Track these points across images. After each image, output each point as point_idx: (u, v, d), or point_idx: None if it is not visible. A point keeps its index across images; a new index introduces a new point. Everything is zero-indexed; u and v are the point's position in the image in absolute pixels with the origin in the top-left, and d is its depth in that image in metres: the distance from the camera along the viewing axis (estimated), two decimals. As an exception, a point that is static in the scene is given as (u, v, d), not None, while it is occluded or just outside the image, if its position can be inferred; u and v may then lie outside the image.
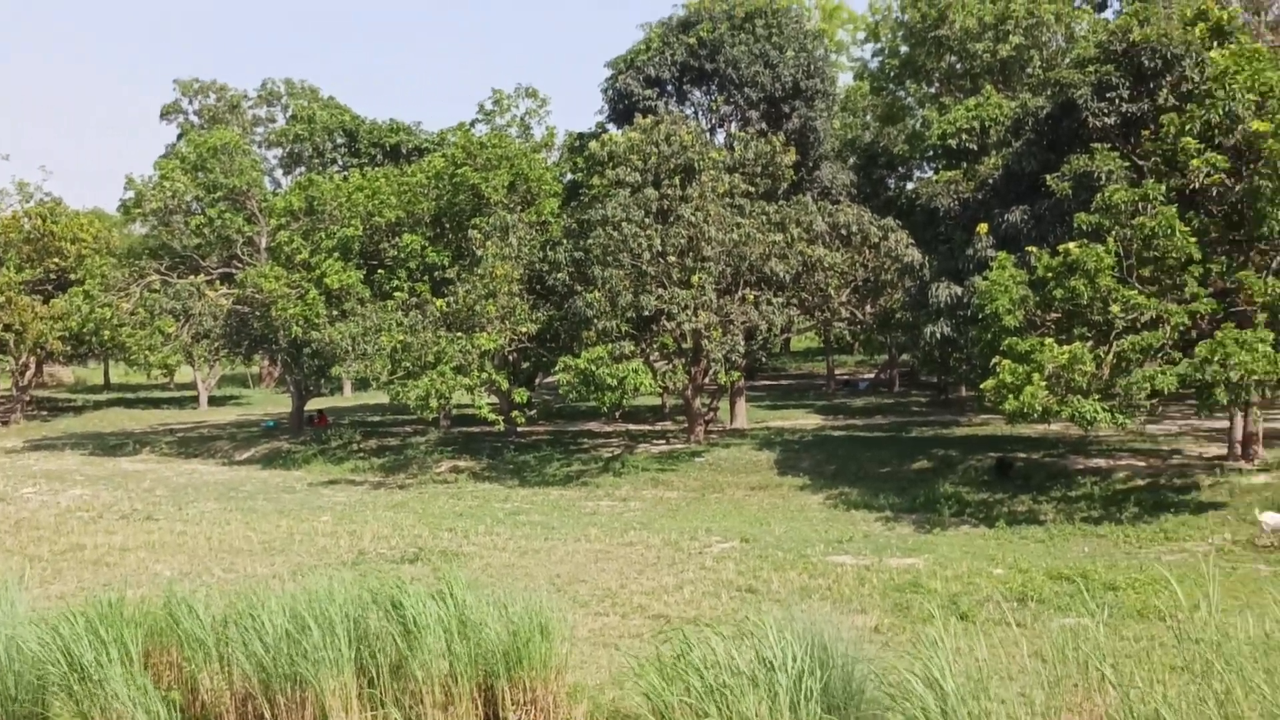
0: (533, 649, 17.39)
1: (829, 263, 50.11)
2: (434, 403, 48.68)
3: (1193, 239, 35.12)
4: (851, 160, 63.73)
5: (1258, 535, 32.73)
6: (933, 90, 67.00)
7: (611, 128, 58.02)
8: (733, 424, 57.25)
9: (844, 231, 51.01)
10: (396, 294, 55.74)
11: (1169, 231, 34.52)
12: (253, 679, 17.99)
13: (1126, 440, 46.47)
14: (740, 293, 49.77)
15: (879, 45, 73.43)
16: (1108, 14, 59.32)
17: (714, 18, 56.27)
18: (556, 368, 48.45)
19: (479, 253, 53.14)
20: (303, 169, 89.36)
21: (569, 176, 67.14)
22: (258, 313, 60.54)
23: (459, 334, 50.26)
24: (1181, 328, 35.03)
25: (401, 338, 50.32)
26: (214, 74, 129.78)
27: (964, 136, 47.90)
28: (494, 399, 53.65)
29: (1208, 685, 13.09)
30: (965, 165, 48.00)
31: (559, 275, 49.73)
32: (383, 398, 57.82)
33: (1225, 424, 43.39)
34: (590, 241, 48.13)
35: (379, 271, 59.94)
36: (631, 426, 59.59)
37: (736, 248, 48.38)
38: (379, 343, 51.63)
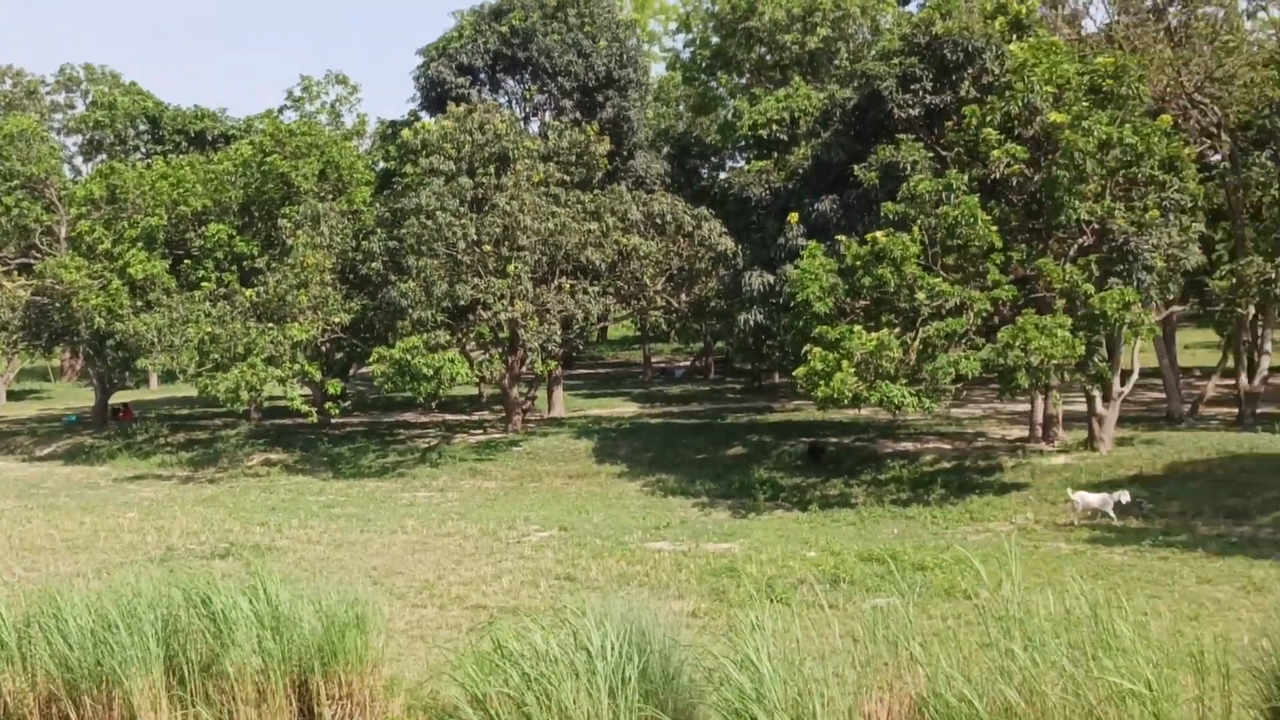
0: (348, 643, 17.16)
1: (644, 252, 50.41)
2: (244, 395, 47.71)
3: (994, 227, 36.15)
4: (665, 150, 64.18)
5: (1069, 513, 33.91)
6: (744, 81, 67.76)
7: (424, 116, 57.51)
8: (550, 413, 57.26)
9: (659, 220, 51.35)
10: (204, 284, 54.41)
11: (971, 220, 35.49)
12: (57, 679, 17.43)
13: (933, 424, 47.69)
14: (556, 282, 49.77)
15: (690, 36, 73.97)
16: (912, 7, 60.69)
17: (526, 6, 56.14)
18: (371, 358, 47.87)
19: (289, 242, 52.21)
20: (104, 156, 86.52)
21: (381, 165, 66.37)
22: (58, 304, 58.49)
23: (270, 325, 49.29)
24: (984, 314, 36.08)
25: (210, 329, 49.13)
26: (9, 59, 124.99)
27: (774, 127, 48.57)
28: (307, 390, 52.81)
29: (1011, 661, 13.51)
30: (776, 155, 48.68)
31: (373, 265, 49.12)
32: (191, 391, 56.38)
33: (1027, 407, 44.87)
34: (404, 231, 47.63)
35: (185, 261, 58.44)
36: (448, 417, 59.20)
37: (552, 237, 48.37)
38: (186, 334, 50.37)
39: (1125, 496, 33.55)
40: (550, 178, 50.18)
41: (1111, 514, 33.14)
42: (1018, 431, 45.76)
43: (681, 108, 75.71)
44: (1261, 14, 50.57)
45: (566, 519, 36.90)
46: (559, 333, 49.32)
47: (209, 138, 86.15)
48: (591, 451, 47.45)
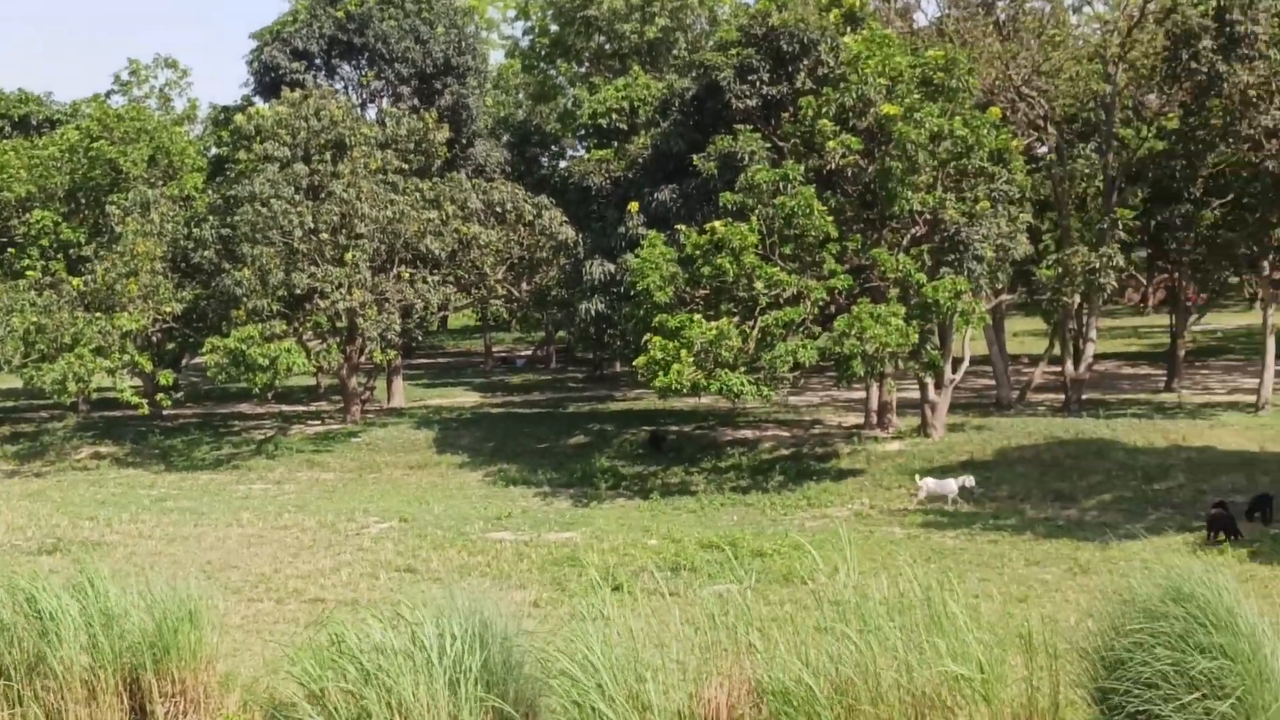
0: (180, 639, 16.76)
1: (484, 240, 50.10)
2: (72, 386, 46.29)
3: (830, 218, 36.72)
4: (505, 138, 63.86)
5: (915, 498, 34.60)
6: (583, 70, 67.76)
7: (258, 101, 56.37)
8: (390, 403, 56.66)
9: (499, 209, 51.11)
10: (29, 273, 52.62)
11: (808, 210, 35.99)
12: None
13: (772, 412, 48.28)
14: (396, 270, 49.22)
15: (529, 24, 73.68)
16: (749, -2, 61.33)
17: (363, -10, 55.39)
18: (204, 348, 46.86)
19: (118, 229, 50.78)
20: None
21: (214, 151, 64.88)
22: None
23: (98, 314, 47.92)
24: (821, 303, 36.63)
25: (35, 319, 47.57)
26: None
27: (614, 116, 48.67)
28: (137, 382, 51.46)
29: (847, 645, 13.72)
30: (616, 144, 48.78)
31: (205, 253, 48.04)
32: (16, 382, 54.54)
33: (863, 394, 45.66)
34: (238, 218, 46.66)
35: (9, 250, 56.50)
36: (285, 407, 58.22)
37: (391, 225, 47.82)
38: (10, 324, 48.66)
39: (970, 481, 34.42)
40: (388, 165, 49.61)
41: (958, 499, 33.93)
42: (854, 418, 46.56)
43: (521, 95, 75.36)
44: (1086, 9, 52.13)
45: (407, 510, 36.60)
46: (398, 322, 48.80)
47: (33, 122, 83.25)
48: (432, 442, 47.10)
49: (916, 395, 43.13)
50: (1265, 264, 45.44)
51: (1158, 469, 35.84)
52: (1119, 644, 12.99)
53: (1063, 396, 48.63)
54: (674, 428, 46.43)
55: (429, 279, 49.43)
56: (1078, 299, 48.00)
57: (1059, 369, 50.40)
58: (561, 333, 65.90)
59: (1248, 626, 12.24)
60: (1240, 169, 45.61)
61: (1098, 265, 44.28)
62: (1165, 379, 54.16)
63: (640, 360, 36.11)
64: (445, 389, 63.13)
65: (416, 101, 55.22)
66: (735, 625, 14.62)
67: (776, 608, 21.84)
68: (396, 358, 53.60)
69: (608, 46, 62.58)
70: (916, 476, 35.72)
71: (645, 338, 36.18)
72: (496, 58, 77.93)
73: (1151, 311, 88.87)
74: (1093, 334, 49.13)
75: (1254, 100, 42.11)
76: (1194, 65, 42.46)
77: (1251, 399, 45.96)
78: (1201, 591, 12.50)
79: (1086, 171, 50.91)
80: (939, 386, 41.89)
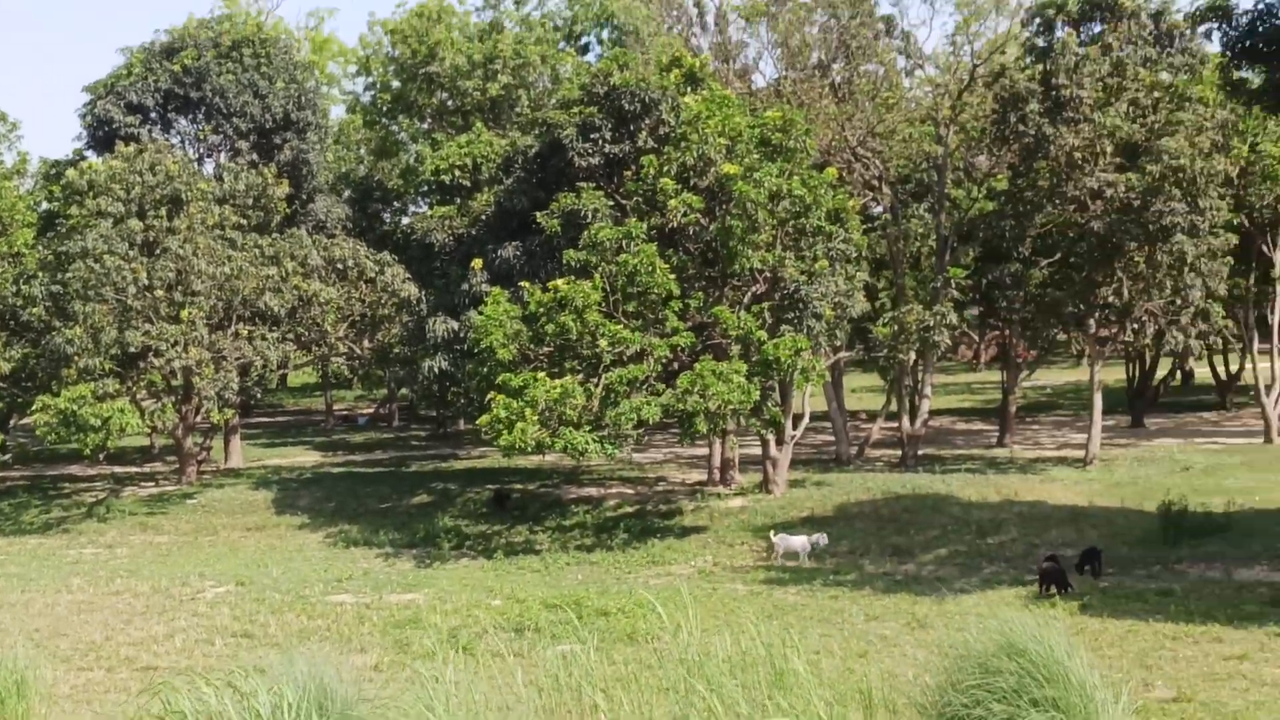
0: (7, 710, 16.16)
1: (325, 297, 49.50)
2: (-109, 450, 44.57)
3: (672, 275, 36.99)
4: (346, 194, 63.34)
5: (768, 552, 34.77)
6: (425, 126, 67.50)
7: (91, 155, 55.09)
8: (227, 463, 55.50)
9: (340, 266, 50.60)
10: None
11: (650, 268, 36.21)
12: None
13: (617, 469, 48.38)
14: (234, 328, 48.30)
15: (370, 79, 73.18)
16: (590, 57, 61.79)
17: (199, 45, 54.57)
18: (34, 408, 45.36)
19: (-57, 287, 49.15)
20: None
21: (45, 206, 63.11)
22: None
23: (-81, 375, 46.26)
24: (664, 360, 36.81)
25: None
26: None
27: (457, 173, 48.51)
28: (-39, 444, 49.70)
29: (690, 704, 13.70)
30: (459, 201, 48.63)
31: (34, 310, 46.67)
32: None
33: (706, 451, 45.97)
34: (70, 275, 45.40)
35: None
36: (118, 469, 56.63)
37: (229, 281, 46.97)
38: None
39: (823, 539, 34.72)
40: (226, 221, 48.78)
41: (811, 547, 34.21)
42: (697, 475, 46.84)
43: (363, 151, 74.86)
44: (919, 72, 53.57)
45: (244, 573, 35.74)
46: (236, 380, 47.82)
47: None
48: (270, 503, 46.19)
49: (759, 451, 43.54)
50: (1091, 322, 46.92)
51: (991, 523, 36.61)
52: (955, 699, 13.18)
53: (900, 452, 49.53)
54: (518, 486, 46.22)
55: (268, 336, 48.59)
56: (913, 356, 49.05)
57: (896, 425, 51.35)
58: (404, 390, 65.22)
59: (1079, 679, 12.50)
60: (1067, 229, 47.15)
61: (931, 323, 45.32)
62: (998, 434, 55.53)
63: (484, 418, 35.85)
64: (285, 448, 62.07)
65: (255, 156, 54.45)
66: (579, 686, 14.53)
67: (621, 667, 21.68)
68: (234, 417, 52.54)
69: (450, 103, 62.47)
70: (772, 533, 35.95)
71: (489, 396, 35.95)
72: (337, 113, 77.31)
73: (985, 368, 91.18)
74: (928, 390, 50.19)
75: (1079, 162, 43.63)
76: (1022, 128, 43.91)
77: (1080, 454, 47.32)
78: (1034, 646, 12.75)
79: (920, 231, 52.34)
80: (780, 443, 42.36)
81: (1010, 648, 12.90)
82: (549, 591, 31.03)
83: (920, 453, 49.63)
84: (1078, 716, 12.26)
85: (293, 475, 51.03)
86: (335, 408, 78.04)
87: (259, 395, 60.25)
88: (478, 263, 42.74)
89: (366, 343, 55.08)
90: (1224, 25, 29.60)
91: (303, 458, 57.94)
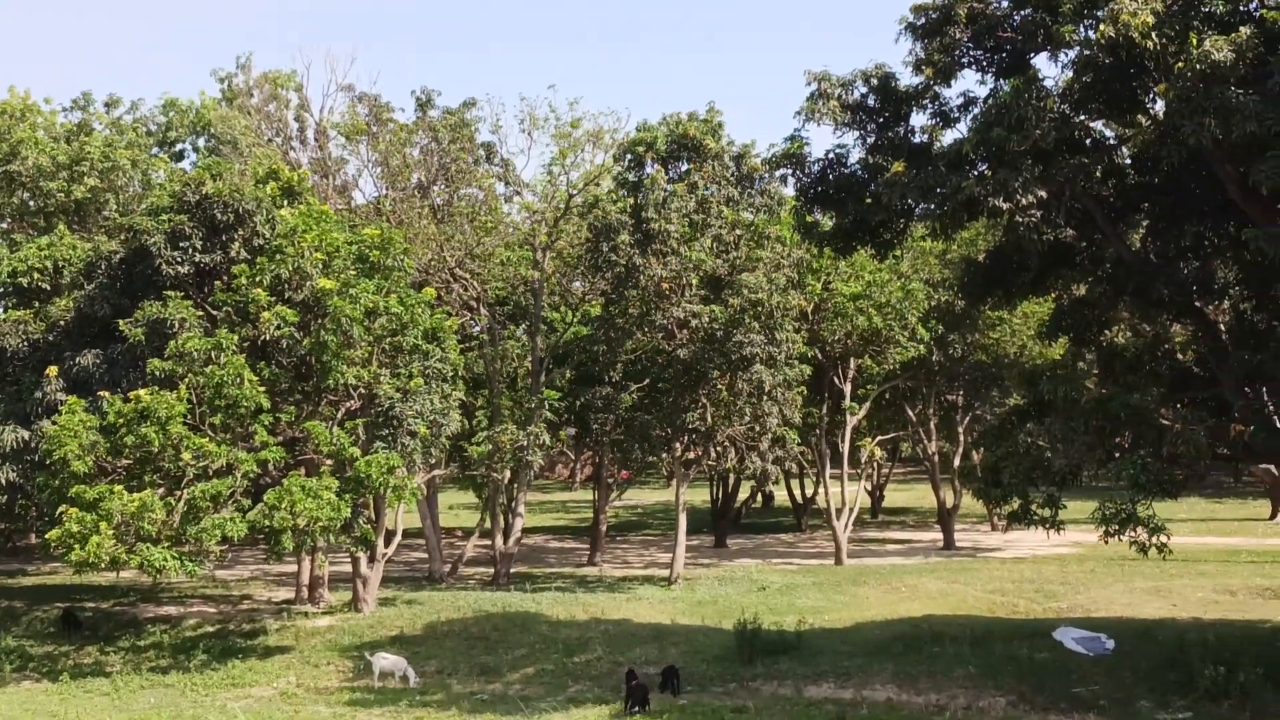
0: None
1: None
2: None
3: (263, 389, 36.14)
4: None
5: (370, 678, 33.88)
6: (4, 226, 63.99)
7: None
8: None
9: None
10: None
11: (239, 380, 35.29)
12: None
13: (199, 587, 46.63)
14: None
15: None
16: (186, 164, 60.30)
17: None
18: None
19: None
20: None
21: None
22: None
23: None
24: (252, 475, 35.78)
25: None
26: None
27: (36, 275, 46.07)
28: None
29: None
30: (37, 305, 46.14)
31: None
32: None
33: (295, 568, 44.88)
34: None
35: None
36: None
37: None
38: None
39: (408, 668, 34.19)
40: None
41: (411, 674, 33.62)
42: (285, 593, 45.64)
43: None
44: (518, 198, 54.80)
45: None
46: None
47: None
48: None
49: (350, 569, 42.84)
50: (677, 445, 48.65)
51: (578, 642, 37.11)
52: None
53: (493, 570, 49.75)
54: (91, 604, 43.79)
55: None
56: (508, 474, 49.54)
57: (490, 542, 51.61)
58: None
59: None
60: (656, 355, 48.93)
61: (526, 442, 46.04)
62: (589, 553, 56.61)
63: (54, 533, 33.76)
64: None
65: None
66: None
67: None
68: None
69: (32, 203, 59.46)
70: (367, 653, 35.25)
71: (60, 509, 33.99)
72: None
73: (580, 487, 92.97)
74: (521, 509, 50.72)
75: (667, 292, 45.48)
76: (614, 257, 45.47)
77: (666, 572, 48.73)
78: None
79: (517, 352, 53.24)
80: (372, 560, 41.85)
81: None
82: (118, 716, 29.44)
83: (513, 570, 49.99)
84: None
85: None
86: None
87: None
88: (53, 370, 40.53)
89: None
90: (797, 171, 31.47)
91: None
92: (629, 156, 48.69)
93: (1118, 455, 28.13)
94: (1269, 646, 28.88)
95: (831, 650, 34.71)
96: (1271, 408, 28.52)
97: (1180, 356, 32.51)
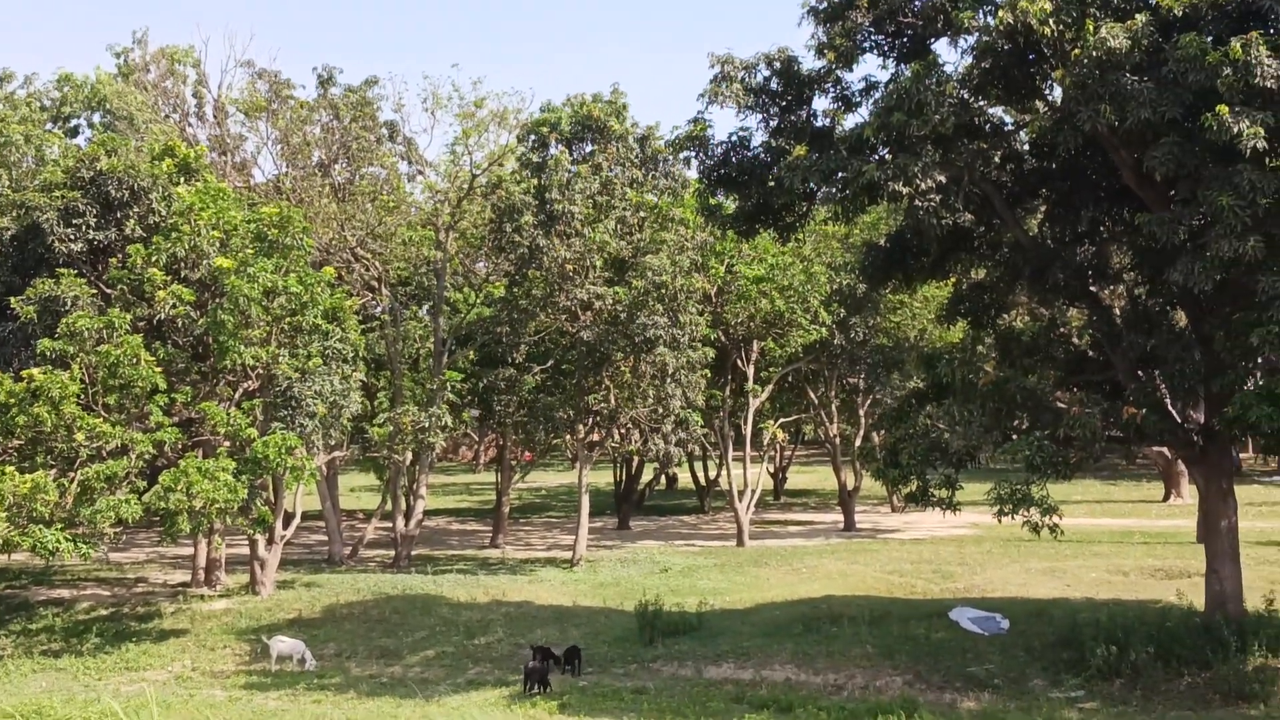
0: None
1: None
2: None
3: (158, 369, 35.57)
4: None
5: (267, 661, 33.51)
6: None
7: None
8: None
9: None
10: None
11: (134, 360, 34.70)
12: None
13: (93, 569, 45.87)
14: None
15: None
16: (81, 140, 59.09)
17: None
18: None
19: None
20: None
21: None
22: None
23: None
24: (148, 456, 35.21)
25: None
26: None
27: (-77, 253, 45.01)
28: None
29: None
30: (-75, 283, 45.11)
31: None
32: None
33: (191, 551, 44.26)
34: None
35: None
36: None
37: None
38: None
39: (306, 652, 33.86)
40: None
41: (309, 657, 33.27)
42: (180, 576, 45.05)
43: None
44: (420, 178, 54.37)
45: None
46: None
47: None
48: None
49: (248, 551, 42.34)
50: (581, 427, 48.59)
51: (479, 624, 36.98)
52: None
53: (394, 553, 49.42)
54: (-18, 587, 42.91)
55: None
56: (409, 456, 49.22)
57: (391, 525, 51.26)
58: None
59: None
60: (560, 337, 48.83)
61: (427, 424, 45.74)
62: (491, 535, 56.45)
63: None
64: None
65: None
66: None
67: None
68: None
69: (-80, 181, 58.06)
70: (264, 636, 34.85)
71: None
72: None
73: (484, 469, 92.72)
74: (423, 490, 50.41)
75: (571, 274, 45.36)
76: (517, 238, 45.29)
77: (568, 555, 48.70)
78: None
79: (420, 333, 52.85)
80: (270, 543, 41.38)
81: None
82: (9, 700, 28.79)
83: (414, 553, 49.69)
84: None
85: None
86: None
87: None
88: (-63, 349, 39.70)
89: None
90: (701, 153, 31.53)
91: None
92: (533, 137, 48.43)
93: (1014, 437, 28.52)
94: (1160, 626, 29.39)
95: (732, 631, 34.88)
96: (1164, 391, 29.11)
97: (1076, 341, 33.01)
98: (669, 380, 46.19)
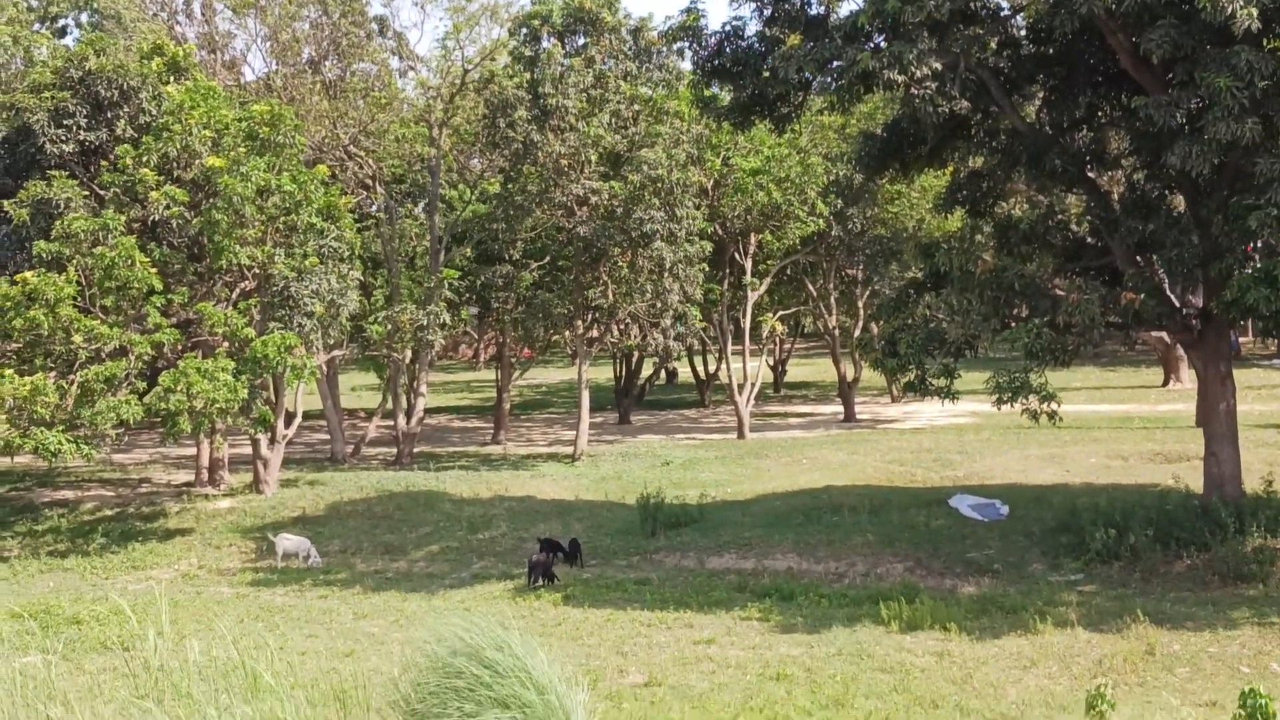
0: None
1: None
2: None
3: (154, 270, 35.48)
4: None
5: (273, 558, 33.79)
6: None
7: None
8: None
9: None
10: None
11: (129, 262, 34.60)
12: None
13: (96, 471, 46.11)
14: None
15: None
16: (69, 40, 58.40)
17: None
18: None
19: None
20: None
21: None
22: None
23: None
24: (146, 357, 35.24)
25: None
26: None
27: (-86, 157, 44.69)
28: None
29: (160, 712, 13.23)
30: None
31: None
32: None
33: (193, 451, 44.49)
34: None
35: None
36: None
37: None
38: None
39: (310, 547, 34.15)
40: None
41: (314, 554, 33.57)
42: (184, 476, 45.30)
43: None
44: (412, 74, 53.84)
45: None
46: None
47: None
48: None
49: (250, 451, 42.56)
50: (579, 323, 48.61)
51: (482, 519, 37.26)
52: (427, 698, 13.43)
53: (395, 450, 49.68)
54: (-15, 491, 43.19)
55: None
56: (409, 354, 49.29)
57: (392, 423, 51.47)
58: None
59: (543, 678, 12.97)
60: (556, 233, 48.67)
61: (425, 322, 45.75)
62: (492, 432, 56.68)
63: (-55, 422, 33.17)
64: None
65: None
66: (34, 700, 13.77)
67: (91, 678, 20.73)
68: None
69: (-92, 81, 57.53)
70: (269, 533, 35.12)
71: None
72: None
73: (484, 366, 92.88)
74: (424, 388, 50.55)
75: (566, 169, 45.10)
76: (511, 134, 44.96)
77: (570, 450, 48.94)
78: (489, 652, 13.15)
79: (415, 231, 52.61)
80: (272, 442, 41.55)
81: (468, 649, 13.25)
82: (17, 600, 29.12)
83: (416, 451, 49.95)
84: (531, 711, 12.72)
85: None
86: None
87: None
88: (-67, 254, 39.59)
89: None
90: (695, 44, 31.19)
91: None
92: (525, 30, 47.82)
93: (1012, 325, 28.50)
94: (1159, 509, 29.57)
95: (733, 522, 35.11)
96: (1162, 276, 29.05)
97: (1074, 227, 32.82)
98: (666, 275, 46.09)
